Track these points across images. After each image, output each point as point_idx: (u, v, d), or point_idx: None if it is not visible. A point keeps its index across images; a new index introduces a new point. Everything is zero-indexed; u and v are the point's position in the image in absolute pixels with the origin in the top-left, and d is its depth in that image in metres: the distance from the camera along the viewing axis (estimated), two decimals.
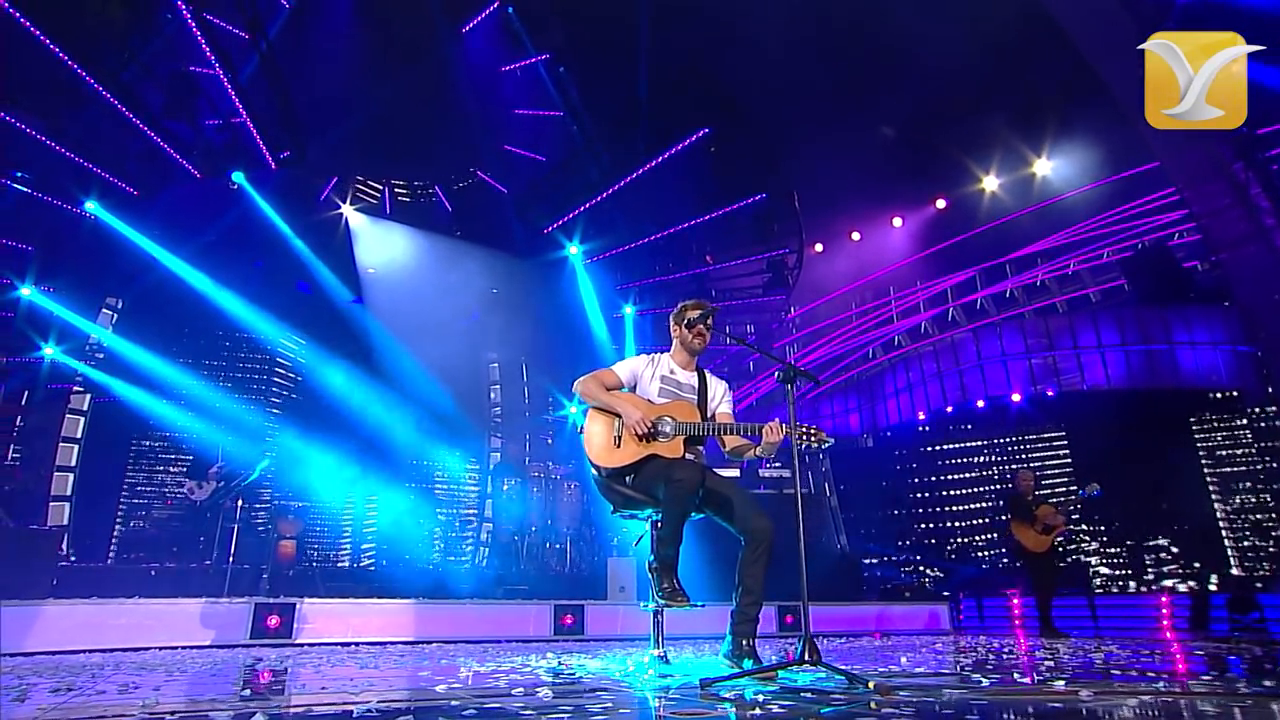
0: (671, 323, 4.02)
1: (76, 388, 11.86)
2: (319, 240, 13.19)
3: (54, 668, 3.90)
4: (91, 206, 9.82)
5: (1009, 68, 12.45)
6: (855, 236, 17.56)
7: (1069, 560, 13.40)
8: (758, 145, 12.67)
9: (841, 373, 17.85)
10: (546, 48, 12.57)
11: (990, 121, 14.26)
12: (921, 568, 15.61)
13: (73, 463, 12.37)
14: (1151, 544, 14.11)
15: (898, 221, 16.98)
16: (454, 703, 2.33)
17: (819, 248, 17.85)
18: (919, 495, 16.28)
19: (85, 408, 12.32)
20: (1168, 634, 9.01)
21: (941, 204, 16.49)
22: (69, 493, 12.25)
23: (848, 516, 16.28)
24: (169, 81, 9.03)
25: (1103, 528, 14.61)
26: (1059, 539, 8.30)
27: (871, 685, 2.48)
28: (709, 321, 3.88)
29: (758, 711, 2.23)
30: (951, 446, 15.85)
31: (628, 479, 3.63)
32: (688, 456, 3.64)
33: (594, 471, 3.74)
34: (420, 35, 12.46)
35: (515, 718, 2.06)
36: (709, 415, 3.90)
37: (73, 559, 10.23)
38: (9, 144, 9.37)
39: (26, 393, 12.25)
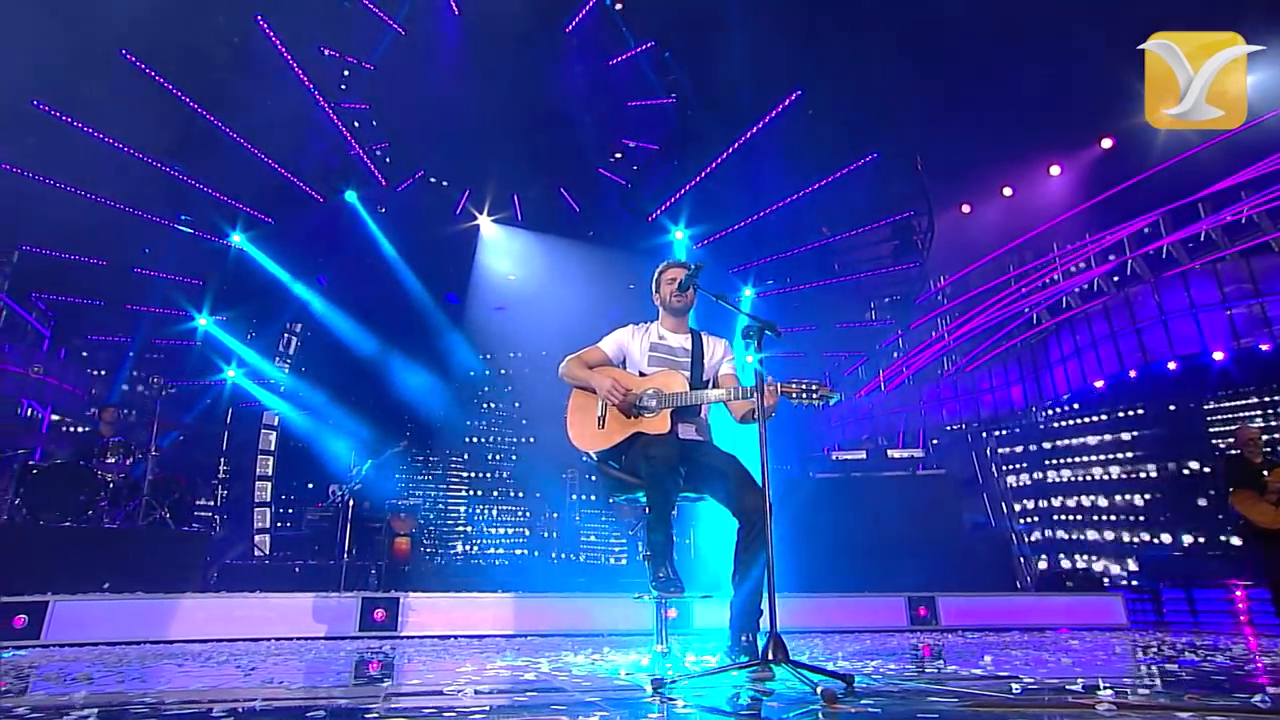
0: (653, 291, 3.77)
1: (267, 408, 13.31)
2: (451, 252, 13.82)
3: (201, 653, 4.26)
4: (237, 239, 10.94)
5: None
6: (1007, 192, 15.89)
7: None
8: (861, 103, 11.67)
9: (1002, 342, 16.10)
10: (648, 34, 12.39)
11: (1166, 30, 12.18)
12: (1094, 555, 13.79)
13: (269, 472, 13.97)
14: None
15: (1055, 170, 15.15)
16: (342, 701, 2.20)
17: (966, 209, 16.34)
18: (1098, 473, 14.36)
19: (275, 424, 13.84)
20: None
21: (1107, 143, 14.50)
22: (268, 499, 13.84)
23: (1013, 498, 14.75)
24: (284, 114, 9.83)
25: None
26: None
27: (819, 690, 2.07)
28: (677, 276, 3.60)
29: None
30: (1136, 415, 13.82)
31: (621, 460, 3.35)
32: (678, 430, 3.31)
33: (587, 456, 3.50)
34: (526, 39, 12.63)
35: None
36: (708, 378, 3.56)
37: (264, 558, 11.46)
38: (172, 193, 10.65)
39: (230, 409, 13.92)
